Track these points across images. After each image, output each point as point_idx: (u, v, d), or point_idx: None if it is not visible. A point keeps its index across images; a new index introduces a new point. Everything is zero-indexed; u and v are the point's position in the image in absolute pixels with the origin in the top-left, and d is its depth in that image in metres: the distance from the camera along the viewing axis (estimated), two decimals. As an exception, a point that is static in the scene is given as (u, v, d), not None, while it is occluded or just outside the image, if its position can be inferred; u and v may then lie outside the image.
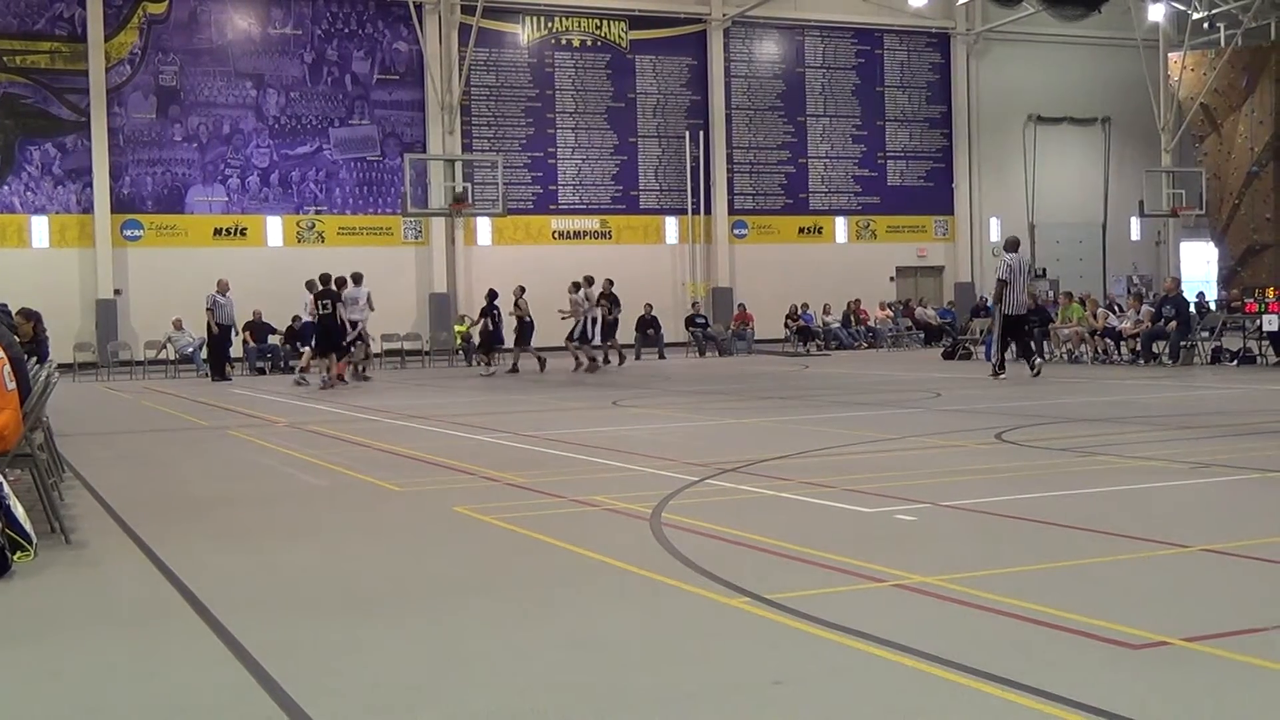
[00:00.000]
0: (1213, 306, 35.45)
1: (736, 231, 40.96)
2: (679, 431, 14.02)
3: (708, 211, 40.54)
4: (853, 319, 38.68)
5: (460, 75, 37.50)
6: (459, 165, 35.28)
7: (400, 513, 8.57)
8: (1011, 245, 21.36)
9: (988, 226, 43.90)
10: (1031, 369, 20.85)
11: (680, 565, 6.26)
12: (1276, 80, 38.47)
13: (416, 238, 37.58)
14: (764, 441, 12.08)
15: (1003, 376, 20.51)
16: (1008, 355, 21.26)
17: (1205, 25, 40.18)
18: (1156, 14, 39.93)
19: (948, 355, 30.16)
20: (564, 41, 39.47)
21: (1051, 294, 33.35)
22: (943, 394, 18.21)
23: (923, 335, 38.61)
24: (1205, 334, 24.74)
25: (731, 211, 40.94)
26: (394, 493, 9.39)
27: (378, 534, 7.72)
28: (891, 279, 42.51)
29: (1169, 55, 41.16)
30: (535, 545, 7.04)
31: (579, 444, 12.31)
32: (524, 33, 39.07)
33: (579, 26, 39.67)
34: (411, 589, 6.14)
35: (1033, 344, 22.29)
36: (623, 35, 40.02)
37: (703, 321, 37.39)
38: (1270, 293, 24.50)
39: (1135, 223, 44.48)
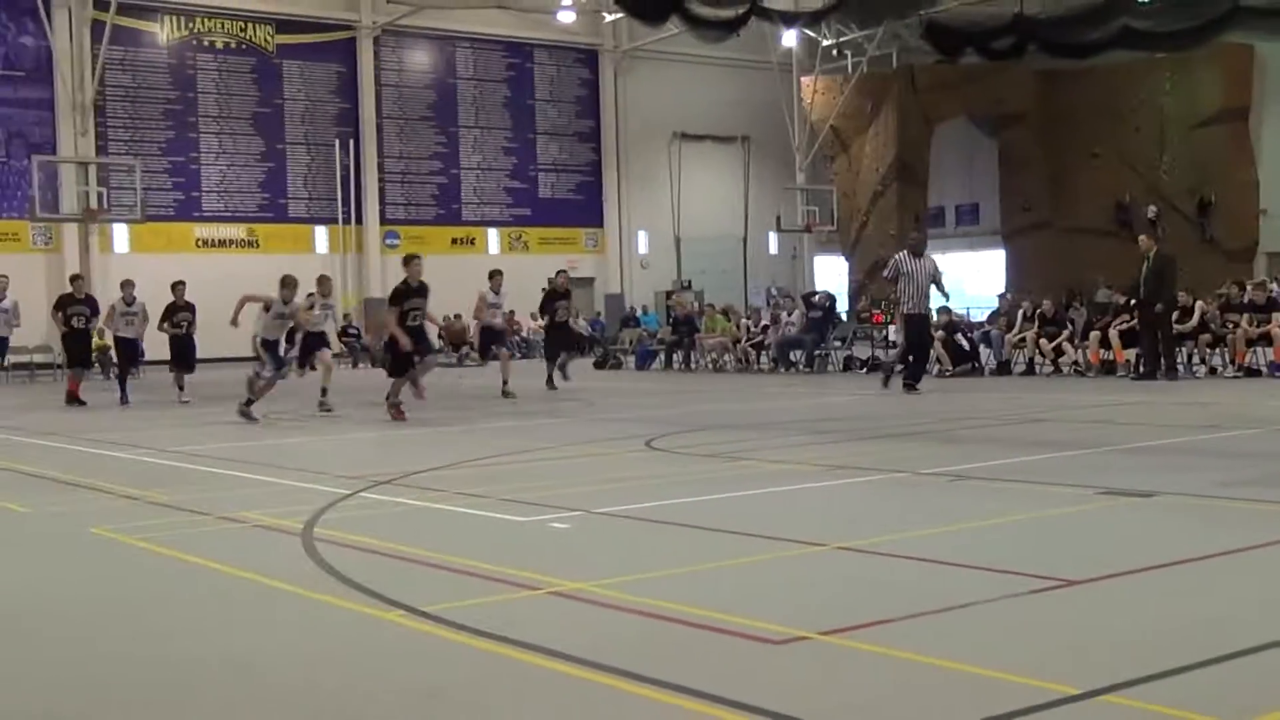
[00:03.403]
0: (844, 317, 37.45)
1: (388, 241, 40.52)
2: (332, 444, 13.75)
3: (359, 221, 39.96)
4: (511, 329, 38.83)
5: (94, 74, 35.62)
6: (93, 169, 33.50)
7: (30, 537, 8.06)
8: (911, 245, 18.87)
9: (636, 239, 45.04)
10: (907, 385, 18.23)
11: (334, 580, 6.13)
12: (898, 106, 41.00)
13: (47, 244, 35.45)
14: (421, 453, 11.99)
15: (918, 390, 18.15)
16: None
17: (834, 52, 42.38)
18: (790, 40, 41.83)
19: (599, 365, 30.75)
20: (206, 43, 38.11)
21: (696, 305, 34.47)
22: (596, 403, 18.55)
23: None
24: (838, 343, 26.13)
25: (383, 221, 40.50)
26: (22, 515, 8.81)
27: (4, 562, 7.23)
28: (544, 290, 42.92)
29: (802, 79, 43.20)
30: (180, 566, 6.75)
31: (226, 459, 11.89)
32: (163, 32, 37.48)
33: (222, 28, 38.38)
34: (46, 616, 5.78)
35: (927, 354, 20.00)
36: (269, 39, 38.97)
37: (355, 333, 36.79)
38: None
39: (773, 237, 46.52)
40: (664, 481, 9.65)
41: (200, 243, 37.40)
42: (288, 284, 17.40)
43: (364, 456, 12.23)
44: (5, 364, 24.31)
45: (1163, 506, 7.87)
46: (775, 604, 5.43)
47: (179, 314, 20.78)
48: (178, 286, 21.06)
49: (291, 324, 17.73)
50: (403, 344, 15.96)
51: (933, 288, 18.47)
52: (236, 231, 38.32)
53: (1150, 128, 39.18)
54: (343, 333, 36.64)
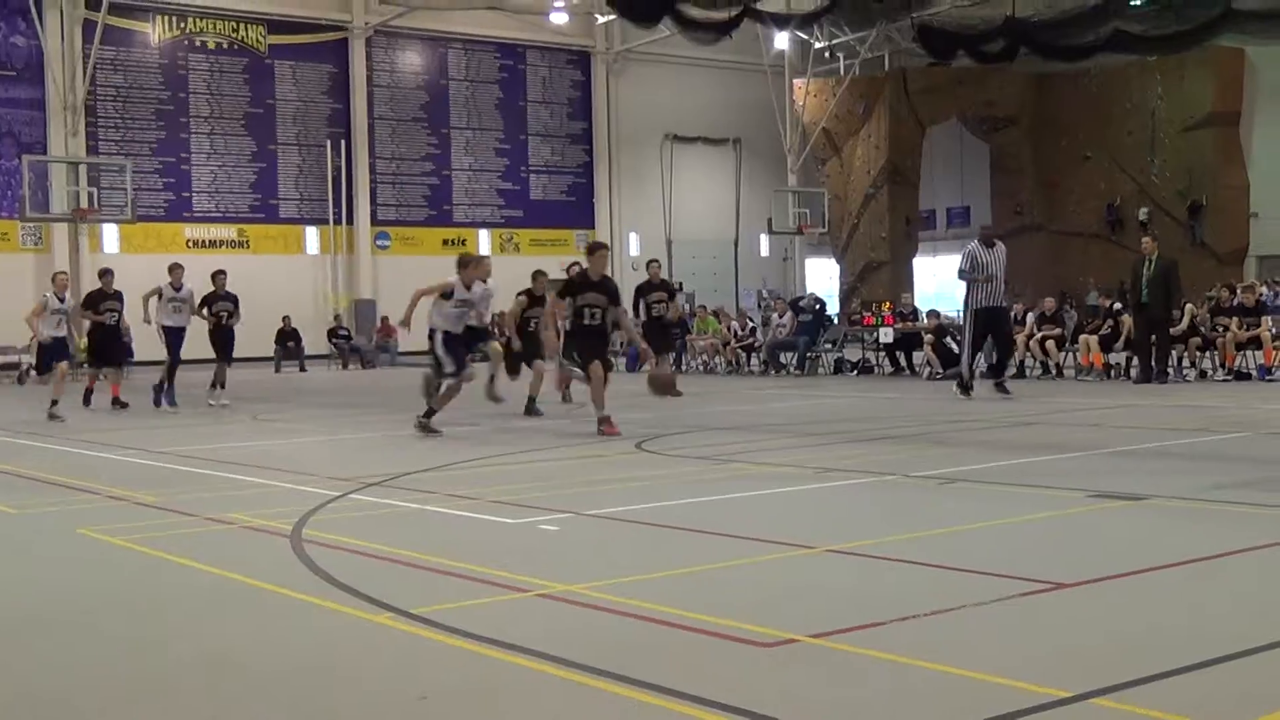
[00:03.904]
0: (834, 320, 37.50)
1: (379, 243, 40.50)
2: (321, 446, 13.73)
3: (350, 222, 39.93)
4: (496, 332, 38.73)
5: (85, 74, 35.54)
6: (83, 168, 33.40)
7: (17, 537, 8.02)
8: (983, 236, 17.89)
9: (627, 241, 45.04)
10: (999, 386, 17.62)
11: (322, 583, 6.11)
12: (890, 108, 41.05)
13: (36, 244, 35.38)
14: (408, 455, 11.97)
15: (1008, 391, 17.57)
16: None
17: (826, 54, 42.41)
18: (782, 42, 41.85)
19: (590, 367, 30.64)
20: (198, 43, 38.06)
21: (688, 307, 34.49)
22: (586, 405, 18.50)
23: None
24: (829, 345, 26.16)
25: (374, 222, 40.47)
26: (9, 516, 8.78)
27: (-8, 561, 7.20)
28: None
29: (794, 81, 43.23)
30: (168, 566, 6.73)
31: (214, 460, 11.86)
32: (154, 32, 37.42)
33: (214, 28, 38.33)
34: (37, 615, 5.75)
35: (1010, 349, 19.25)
36: (261, 39, 38.93)
37: (345, 334, 36.77)
38: (886, 306, 26.16)
39: (764, 240, 46.57)
40: (654, 484, 9.64)
41: (191, 243, 37.32)
42: (468, 263, 14.38)
43: (354, 458, 12.20)
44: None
45: (1154, 509, 7.87)
46: (765, 607, 5.42)
47: (218, 304, 19.58)
48: (218, 276, 19.82)
49: (473, 314, 14.65)
50: (549, 342, 14.66)
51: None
52: (227, 232, 38.27)
53: (1142, 131, 39.28)
54: (332, 333, 36.66)
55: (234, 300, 19.79)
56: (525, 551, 6.95)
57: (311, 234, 39.66)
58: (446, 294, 14.12)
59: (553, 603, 5.61)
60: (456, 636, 5.00)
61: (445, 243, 41.57)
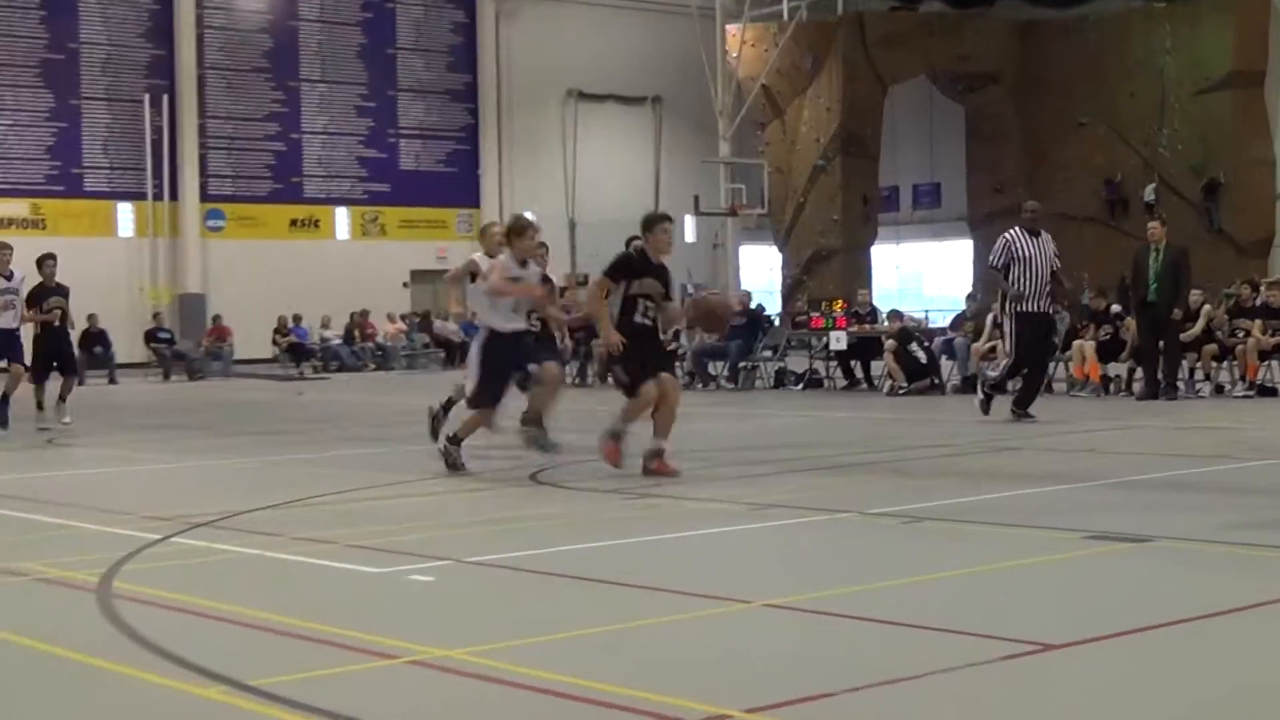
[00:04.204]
0: (775, 322, 37.73)
1: (211, 223, 40.15)
2: (138, 477, 13.57)
3: (173, 198, 39.53)
4: (358, 334, 38.66)
5: None
6: None
7: None
8: (1027, 220, 17.37)
9: (521, 223, 44.93)
10: (1018, 411, 17.02)
11: (138, 648, 6.04)
12: (845, 60, 41.30)
13: None
14: (249, 488, 11.87)
15: (1032, 417, 16.99)
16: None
17: (767, -6, 42.67)
18: (714, -23, 42.06)
19: (474, 379, 30.61)
20: (-19, -29, 37.52)
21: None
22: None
23: (443, 354, 39.06)
24: (768, 353, 26.28)
25: (204, 198, 40.11)
26: None
27: None
28: (405, 285, 42.79)
29: (727, 28, 43.37)
30: (-59, 630, 6.62)
31: (8, 495, 11.68)
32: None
33: (2, -48, 37.80)
34: None
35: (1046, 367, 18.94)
36: (62, -33, 38.45)
37: (167, 336, 36.36)
38: (838, 305, 26.34)
39: (690, 221, 46.72)
40: (552, 524, 9.64)
41: (-29, 222, 36.78)
42: (523, 230, 13.06)
43: (179, 493, 12.07)
44: None
45: (1162, 553, 8.01)
46: (688, 674, 5.44)
47: (51, 298, 18.52)
48: (46, 262, 18.79)
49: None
50: (608, 341, 12.22)
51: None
52: (17, 209, 37.71)
53: (1148, 93, 39.94)
54: (151, 336, 36.23)
55: (67, 294, 18.80)
56: (392, 608, 6.92)
57: (125, 212, 39.19)
58: (474, 275, 13.49)
59: (425, 671, 5.59)
60: (306, 714, 4.97)
61: (293, 223, 41.33)
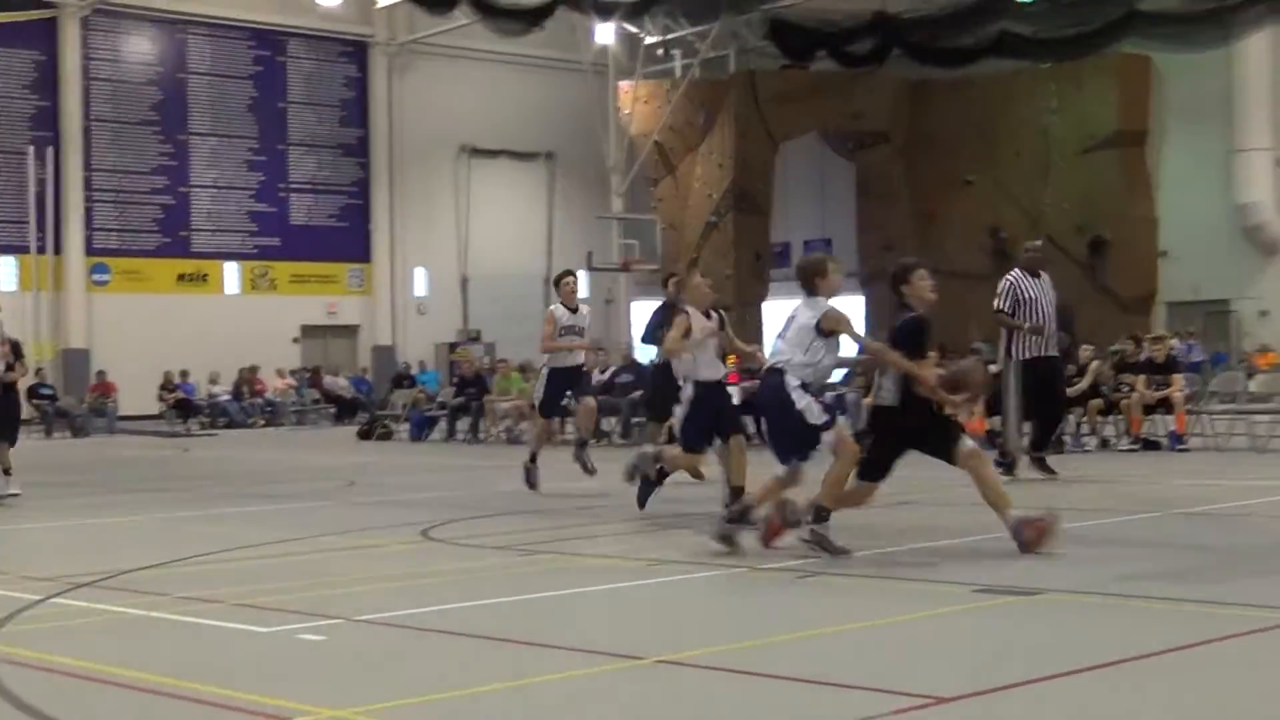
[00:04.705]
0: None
1: (96, 278, 39.63)
2: (18, 535, 13.38)
3: (57, 251, 38.97)
4: (246, 390, 38.30)
5: None
6: None
7: None
8: (1027, 261, 16.88)
9: (411, 278, 44.89)
10: (1037, 460, 16.42)
11: (17, 713, 5.92)
12: (737, 117, 41.60)
13: None
14: (134, 547, 11.72)
15: (1054, 472, 16.32)
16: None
17: (660, 52, 42.85)
18: (606, 35, 42.19)
19: (364, 435, 30.46)
20: None
21: (488, 361, 34.43)
22: (357, 482, 18.34)
23: (334, 410, 38.83)
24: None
25: (90, 252, 39.60)
26: None
27: None
28: (295, 340, 42.50)
29: (620, 84, 43.54)
30: None
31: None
32: None
33: (-118, 1, 37.28)
34: None
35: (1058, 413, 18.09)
36: (-56, 18, 37.97)
37: (49, 393, 35.80)
38: (729, 361, 26.41)
39: (584, 277, 46.74)
40: (444, 581, 9.58)
41: None
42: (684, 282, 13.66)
43: (64, 551, 11.88)
44: None
45: (1051, 606, 8.08)
46: (583, 733, 5.41)
47: None
48: None
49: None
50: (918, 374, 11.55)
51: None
52: (-105, 262, 37.07)
53: (1033, 152, 40.56)
54: (33, 392, 35.65)
55: (18, 350, 16.84)
56: (280, 668, 6.86)
57: (7, 265, 38.61)
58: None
59: (315, 733, 5.53)
60: (191, 778, 4.89)
61: (181, 278, 40.89)
